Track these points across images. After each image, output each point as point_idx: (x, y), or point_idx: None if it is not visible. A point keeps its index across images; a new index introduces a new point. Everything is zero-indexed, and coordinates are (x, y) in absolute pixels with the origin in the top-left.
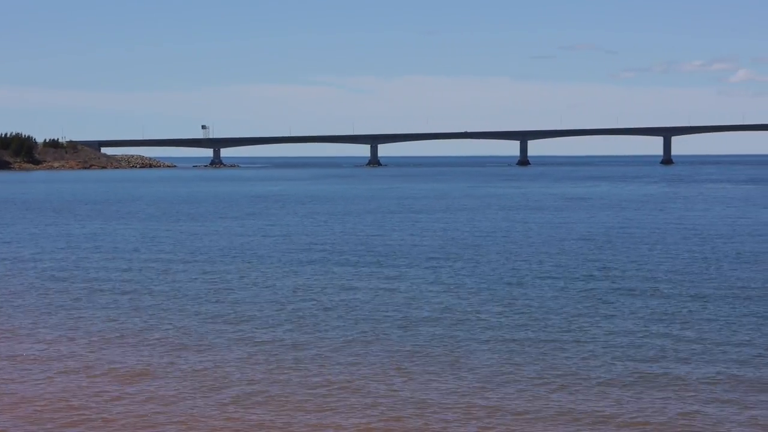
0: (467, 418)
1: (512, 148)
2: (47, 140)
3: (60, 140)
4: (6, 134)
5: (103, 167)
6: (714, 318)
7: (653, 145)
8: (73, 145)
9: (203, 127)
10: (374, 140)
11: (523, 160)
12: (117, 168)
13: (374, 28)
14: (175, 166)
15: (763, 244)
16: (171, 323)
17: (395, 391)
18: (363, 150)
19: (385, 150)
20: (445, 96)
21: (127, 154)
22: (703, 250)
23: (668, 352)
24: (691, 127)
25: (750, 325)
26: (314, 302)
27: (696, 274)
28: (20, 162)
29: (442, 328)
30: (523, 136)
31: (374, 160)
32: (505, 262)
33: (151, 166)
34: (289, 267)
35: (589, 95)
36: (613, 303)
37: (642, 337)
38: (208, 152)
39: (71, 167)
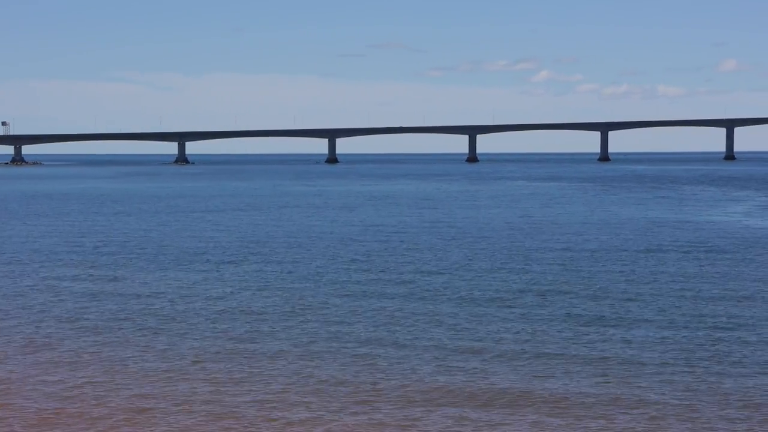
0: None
1: (321, 146)
2: None
3: None
4: None
5: None
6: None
7: (460, 144)
8: None
9: (3, 123)
10: (182, 138)
11: (332, 158)
12: None
13: (180, 25)
14: None
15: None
16: None
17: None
18: (171, 148)
19: (193, 148)
20: (254, 94)
21: None
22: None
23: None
24: (495, 125)
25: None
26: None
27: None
28: None
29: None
30: (331, 134)
31: (182, 158)
32: (288, 262)
33: None
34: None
35: (398, 93)
36: (376, 292)
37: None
38: (10, 149)
39: None
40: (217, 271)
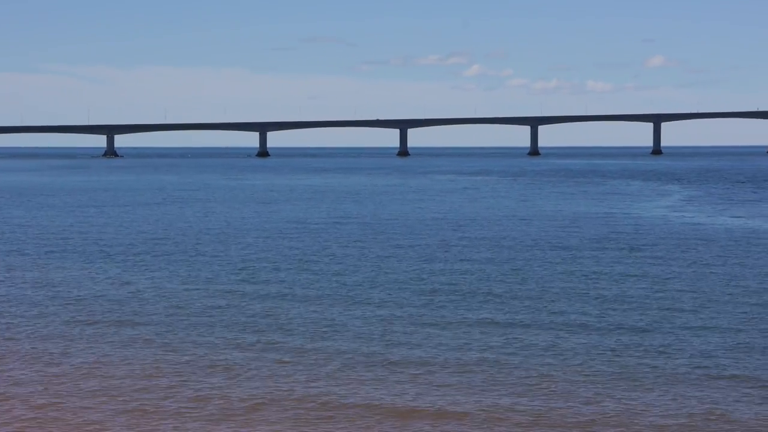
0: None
1: (252, 139)
2: None
3: None
4: None
5: None
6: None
7: (391, 138)
8: None
9: None
10: (111, 131)
11: (263, 152)
12: None
13: (110, 17)
14: None
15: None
16: None
17: None
18: (100, 141)
19: (123, 141)
20: (184, 87)
21: None
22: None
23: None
24: (426, 119)
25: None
26: None
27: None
28: None
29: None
30: (262, 128)
31: (111, 151)
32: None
33: None
34: None
35: (329, 87)
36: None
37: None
38: None
39: None
40: (142, 264)
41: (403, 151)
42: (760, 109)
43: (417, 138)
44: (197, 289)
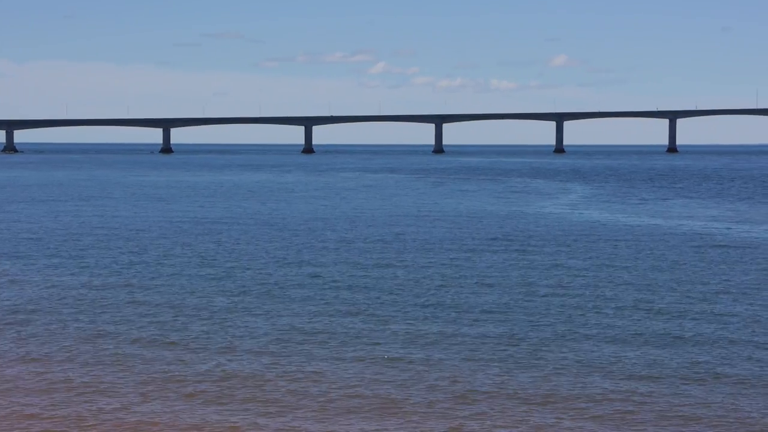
0: None
1: (156, 135)
2: None
3: None
4: None
5: None
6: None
7: (296, 135)
8: None
9: None
10: (10, 126)
11: (167, 148)
12: None
13: (6, 10)
14: None
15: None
16: None
17: None
18: None
19: (22, 136)
20: (86, 82)
21: None
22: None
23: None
24: (331, 117)
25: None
26: None
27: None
28: None
29: None
30: (166, 124)
31: (10, 147)
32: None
33: None
34: None
35: (233, 84)
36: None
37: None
38: None
39: None
40: (32, 263)
41: (308, 148)
42: (660, 109)
43: (322, 135)
44: (82, 286)
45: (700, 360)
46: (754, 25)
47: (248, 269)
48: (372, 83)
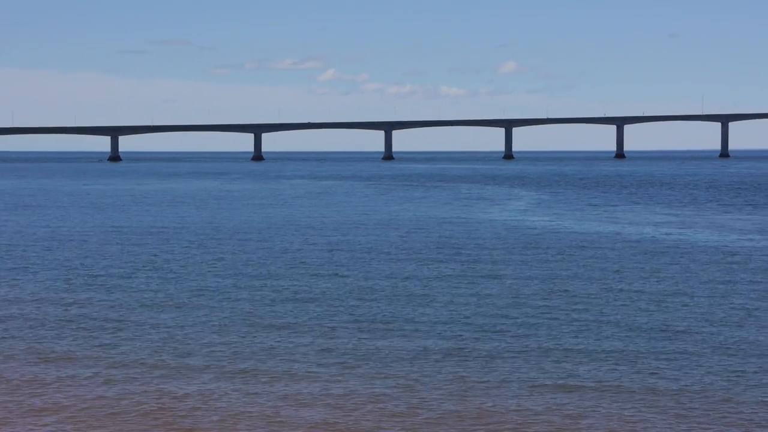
0: None
1: (104, 143)
2: None
3: None
4: None
5: None
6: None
7: (245, 142)
8: None
9: None
10: None
11: (115, 156)
12: None
13: None
14: None
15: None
16: None
17: None
18: None
19: None
20: (32, 90)
21: None
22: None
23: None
24: (280, 124)
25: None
26: None
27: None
28: None
29: None
30: (114, 132)
31: None
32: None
33: None
34: None
35: (182, 91)
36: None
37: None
38: None
39: None
40: None
41: (258, 155)
42: (607, 115)
43: (272, 142)
44: (18, 298)
45: (645, 369)
46: (700, 32)
47: (178, 280)
48: (322, 90)
